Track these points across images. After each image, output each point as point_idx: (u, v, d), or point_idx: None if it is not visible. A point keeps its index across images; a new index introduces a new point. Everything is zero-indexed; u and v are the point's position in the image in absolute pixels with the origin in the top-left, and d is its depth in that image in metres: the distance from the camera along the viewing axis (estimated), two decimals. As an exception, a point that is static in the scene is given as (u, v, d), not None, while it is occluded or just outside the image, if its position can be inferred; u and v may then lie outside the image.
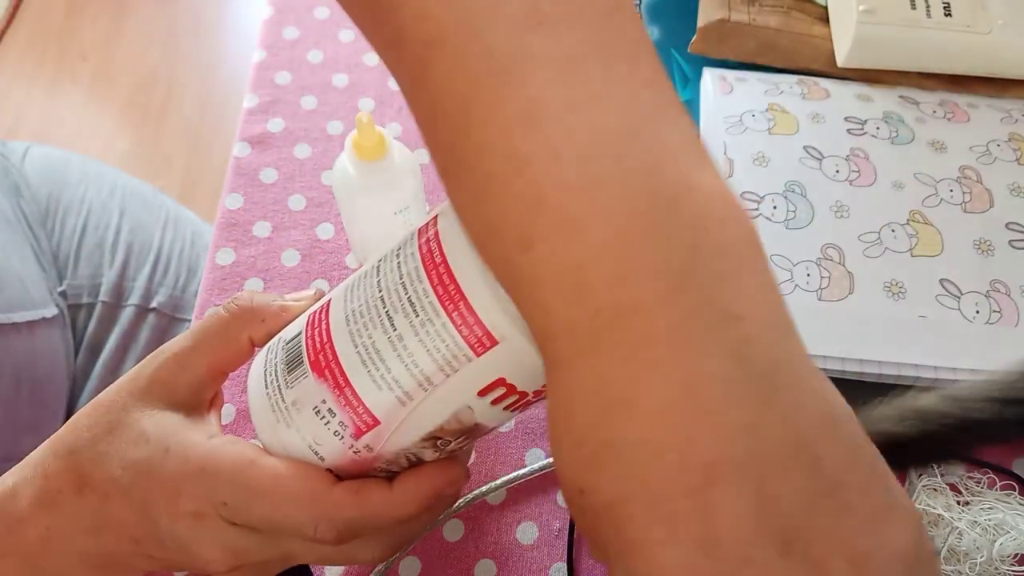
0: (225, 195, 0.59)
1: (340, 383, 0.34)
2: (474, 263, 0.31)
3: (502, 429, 0.51)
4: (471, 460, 0.50)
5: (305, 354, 0.35)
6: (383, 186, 0.47)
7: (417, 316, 0.32)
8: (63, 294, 0.65)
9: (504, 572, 0.47)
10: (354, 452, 0.35)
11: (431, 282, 0.32)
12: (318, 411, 0.35)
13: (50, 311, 0.62)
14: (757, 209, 0.51)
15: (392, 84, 0.63)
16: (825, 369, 0.47)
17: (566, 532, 0.48)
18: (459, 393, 0.33)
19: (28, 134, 1.61)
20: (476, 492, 0.48)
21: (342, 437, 0.35)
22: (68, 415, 0.63)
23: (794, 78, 0.57)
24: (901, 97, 0.56)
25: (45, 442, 0.39)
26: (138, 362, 0.40)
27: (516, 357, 0.32)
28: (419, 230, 0.34)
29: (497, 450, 0.50)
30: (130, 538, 0.36)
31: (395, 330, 0.33)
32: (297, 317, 0.39)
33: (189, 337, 0.39)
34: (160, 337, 0.68)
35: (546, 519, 0.48)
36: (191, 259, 0.73)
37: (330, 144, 0.61)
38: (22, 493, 0.37)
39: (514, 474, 0.49)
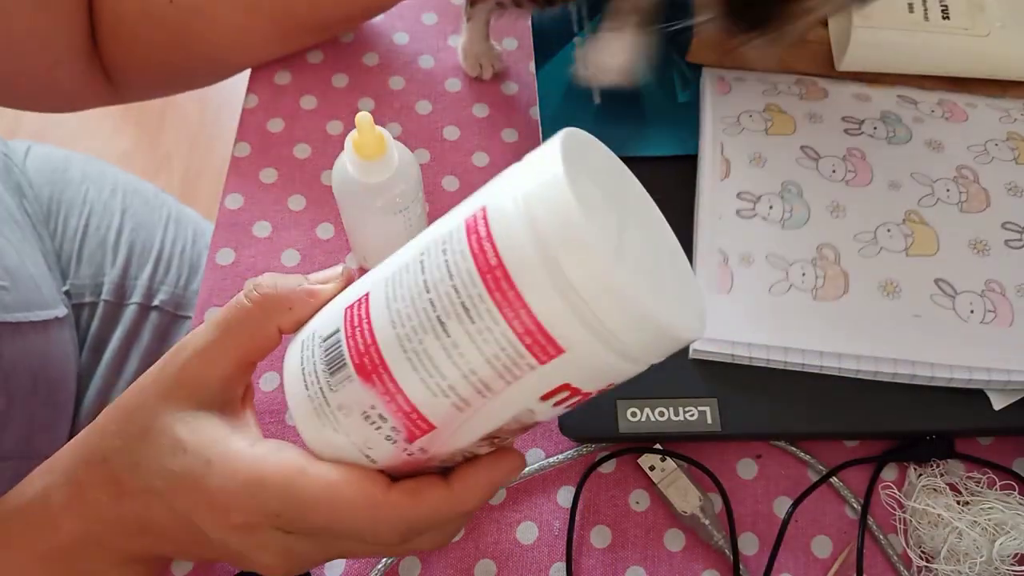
0: (225, 195, 0.59)
1: (391, 390, 0.32)
2: (536, 262, 0.28)
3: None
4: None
5: (348, 356, 0.32)
6: (383, 186, 0.47)
7: (473, 323, 0.29)
8: (67, 294, 0.65)
9: (504, 572, 0.47)
10: (408, 455, 0.33)
11: (487, 286, 0.29)
12: (368, 416, 0.32)
13: (61, 311, 0.61)
14: (754, 209, 0.51)
15: (392, 84, 0.63)
16: (821, 366, 0.48)
17: (566, 532, 0.48)
18: (521, 398, 0.31)
19: (27, 134, 1.61)
20: (476, 492, 0.48)
21: (395, 441, 0.33)
22: (75, 415, 0.62)
23: (792, 78, 0.57)
24: (899, 97, 0.56)
25: (69, 446, 0.38)
26: (142, 360, 0.39)
27: (584, 362, 0.30)
28: (467, 224, 0.31)
29: (497, 450, 0.50)
30: (174, 540, 0.36)
31: (449, 336, 0.30)
32: (326, 302, 0.36)
33: (212, 330, 0.36)
34: (163, 335, 0.67)
35: (546, 519, 0.48)
36: (193, 257, 0.72)
37: (330, 144, 0.61)
38: (54, 499, 0.36)
39: (514, 474, 0.49)
